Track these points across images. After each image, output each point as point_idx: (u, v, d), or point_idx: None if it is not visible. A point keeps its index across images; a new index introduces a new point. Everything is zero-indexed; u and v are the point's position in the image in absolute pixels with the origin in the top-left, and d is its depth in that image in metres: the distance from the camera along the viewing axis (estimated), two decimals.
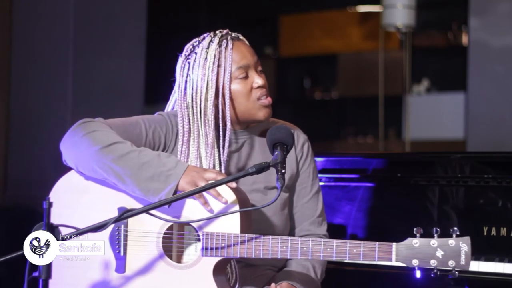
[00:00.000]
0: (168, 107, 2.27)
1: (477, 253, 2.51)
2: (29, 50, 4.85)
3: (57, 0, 4.90)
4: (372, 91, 6.58)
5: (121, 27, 5.16)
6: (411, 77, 6.34)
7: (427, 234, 1.83)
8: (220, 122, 2.15)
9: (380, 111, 6.33)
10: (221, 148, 2.14)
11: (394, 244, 1.84)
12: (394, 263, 1.85)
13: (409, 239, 1.83)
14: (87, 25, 4.90)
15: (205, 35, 2.20)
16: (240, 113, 2.16)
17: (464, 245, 1.80)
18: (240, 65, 2.14)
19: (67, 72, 4.82)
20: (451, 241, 1.80)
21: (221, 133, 2.15)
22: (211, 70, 2.13)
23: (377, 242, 1.86)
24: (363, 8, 7.03)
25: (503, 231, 2.56)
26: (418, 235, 1.82)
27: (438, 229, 1.81)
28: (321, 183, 2.85)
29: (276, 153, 1.94)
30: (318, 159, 2.89)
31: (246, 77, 2.16)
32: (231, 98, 2.14)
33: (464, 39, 6.47)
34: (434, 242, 1.81)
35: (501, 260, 2.52)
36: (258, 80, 2.16)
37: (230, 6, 7.52)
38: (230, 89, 2.13)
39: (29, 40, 4.84)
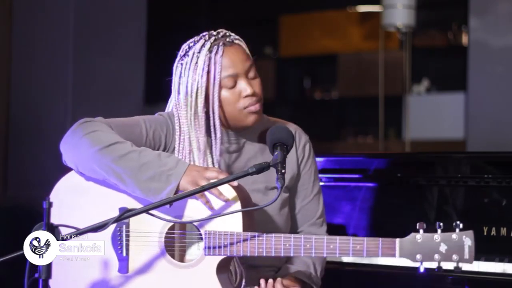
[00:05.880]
0: (168, 108, 2.26)
1: (477, 253, 2.50)
2: (29, 50, 4.84)
3: (57, 0, 4.90)
4: (372, 91, 6.58)
5: (121, 27, 5.17)
6: (411, 77, 6.34)
7: (429, 232, 1.82)
8: (212, 127, 2.13)
9: (380, 111, 6.33)
10: (213, 146, 2.13)
11: (397, 240, 1.83)
12: (395, 262, 1.85)
13: (412, 234, 1.82)
14: (87, 25, 4.91)
15: (203, 34, 2.17)
16: (229, 119, 2.14)
17: (467, 239, 1.79)
18: (228, 74, 2.11)
19: (67, 72, 4.82)
20: (454, 236, 1.80)
21: (212, 136, 2.13)
22: (201, 76, 2.10)
23: (380, 238, 1.85)
24: (363, 8, 7.03)
25: (503, 231, 2.56)
26: (421, 230, 1.82)
27: (441, 224, 1.81)
28: (321, 183, 2.86)
29: (276, 153, 1.94)
30: (318, 159, 2.89)
31: (235, 85, 2.13)
32: (220, 105, 2.12)
33: (464, 39, 6.47)
34: (437, 236, 1.80)
35: (501, 260, 2.52)
36: (247, 89, 2.12)
37: (230, 6, 7.52)
38: (219, 97, 2.12)
39: (29, 40, 4.84)
